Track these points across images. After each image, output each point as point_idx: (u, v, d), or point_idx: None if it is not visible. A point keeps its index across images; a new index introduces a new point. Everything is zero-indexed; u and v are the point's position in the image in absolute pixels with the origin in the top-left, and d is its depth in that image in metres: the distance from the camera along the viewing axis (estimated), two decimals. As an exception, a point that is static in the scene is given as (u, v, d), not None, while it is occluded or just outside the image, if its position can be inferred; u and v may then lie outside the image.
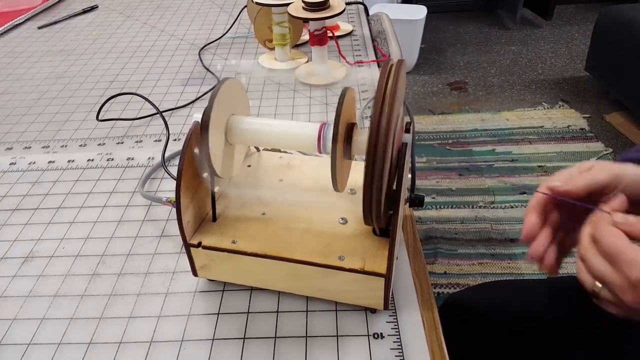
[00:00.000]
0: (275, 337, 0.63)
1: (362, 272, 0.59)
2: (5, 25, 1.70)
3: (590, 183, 0.64)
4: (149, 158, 0.99)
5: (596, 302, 0.59)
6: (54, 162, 0.99)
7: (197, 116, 0.60)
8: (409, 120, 0.64)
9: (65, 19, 1.77)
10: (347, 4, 1.41)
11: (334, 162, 0.56)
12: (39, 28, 1.70)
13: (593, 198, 0.65)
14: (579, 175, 0.65)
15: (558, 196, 0.65)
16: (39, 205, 0.88)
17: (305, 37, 1.41)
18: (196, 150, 0.60)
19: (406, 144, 0.59)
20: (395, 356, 0.60)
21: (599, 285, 0.56)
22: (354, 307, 0.66)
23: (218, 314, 0.66)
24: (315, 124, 0.61)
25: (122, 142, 1.05)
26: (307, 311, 0.66)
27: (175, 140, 1.04)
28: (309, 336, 0.63)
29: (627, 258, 0.53)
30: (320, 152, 0.62)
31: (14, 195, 0.91)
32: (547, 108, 3.16)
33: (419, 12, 3.48)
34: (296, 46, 1.40)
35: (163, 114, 1.10)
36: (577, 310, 0.84)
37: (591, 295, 0.58)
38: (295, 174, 0.74)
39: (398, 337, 0.62)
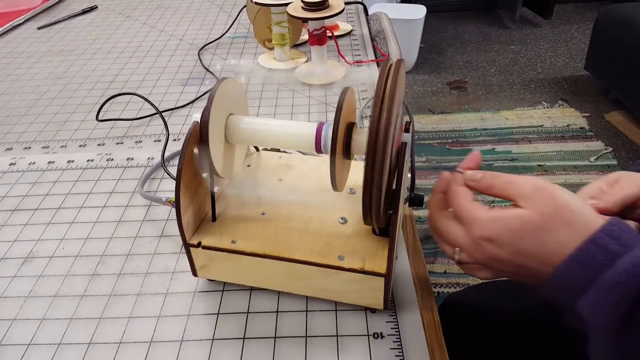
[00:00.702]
0: (275, 337, 0.63)
1: (362, 271, 0.59)
2: (5, 26, 1.70)
3: (624, 198, 0.66)
4: (148, 158, 0.99)
5: (463, 270, 0.60)
6: (53, 162, 0.99)
7: (197, 116, 0.60)
8: (409, 120, 0.64)
9: (65, 19, 1.77)
10: (346, 3, 1.41)
11: (334, 161, 0.56)
12: (39, 28, 1.70)
13: (625, 212, 0.67)
14: (612, 190, 0.67)
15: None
16: (38, 206, 0.88)
17: (305, 36, 1.41)
18: (196, 150, 0.60)
19: (406, 143, 0.59)
20: (395, 356, 0.60)
21: (458, 250, 0.58)
22: (353, 306, 0.66)
23: (218, 314, 0.66)
24: (313, 123, 0.61)
25: (122, 142, 1.05)
26: (306, 311, 0.66)
27: (174, 140, 1.04)
28: (309, 336, 0.63)
29: (469, 216, 0.55)
30: (318, 152, 0.62)
31: (14, 196, 0.91)
32: (547, 107, 3.16)
33: (418, 11, 3.48)
34: (295, 46, 1.40)
35: (162, 114, 1.10)
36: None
37: (457, 263, 0.59)
38: (294, 174, 0.74)
39: (398, 336, 0.62)
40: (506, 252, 0.53)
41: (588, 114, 3.06)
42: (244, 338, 0.63)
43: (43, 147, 1.05)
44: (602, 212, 0.66)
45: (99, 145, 1.04)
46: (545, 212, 0.52)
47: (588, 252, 0.49)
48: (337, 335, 0.63)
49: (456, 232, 0.57)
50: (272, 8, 1.20)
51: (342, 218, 0.66)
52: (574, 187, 2.43)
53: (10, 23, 1.72)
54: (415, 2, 3.86)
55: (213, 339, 0.63)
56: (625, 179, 0.69)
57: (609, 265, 0.48)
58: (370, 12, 1.67)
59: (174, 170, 0.92)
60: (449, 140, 2.91)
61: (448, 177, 0.61)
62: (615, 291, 0.47)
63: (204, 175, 0.63)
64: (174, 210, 0.63)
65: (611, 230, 0.50)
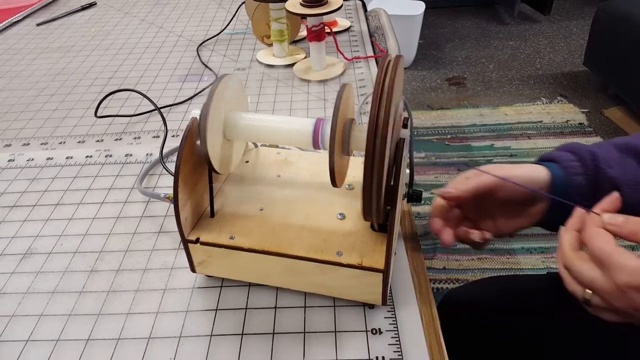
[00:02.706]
0: (274, 333, 0.63)
1: (360, 267, 0.59)
2: (4, 23, 1.70)
3: (475, 186, 0.72)
4: (147, 154, 0.99)
5: (590, 311, 0.58)
6: (52, 158, 0.99)
7: (195, 112, 0.60)
8: (407, 116, 0.64)
9: (64, 15, 1.76)
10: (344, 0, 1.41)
11: (332, 158, 0.56)
12: (38, 25, 1.70)
13: (483, 199, 0.73)
14: (466, 181, 0.73)
15: (453, 200, 0.74)
16: (37, 202, 0.88)
17: (303, 33, 1.41)
18: (198, 142, 0.60)
19: (404, 139, 0.59)
20: (394, 352, 0.60)
21: (590, 292, 0.56)
22: (352, 302, 0.66)
23: (216, 309, 0.66)
24: (311, 119, 0.61)
25: (121, 139, 1.04)
26: (305, 307, 0.66)
27: (173, 136, 1.04)
28: (307, 332, 0.63)
29: (614, 262, 0.52)
30: (316, 148, 0.62)
31: (13, 192, 0.91)
32: (546, 103, 3.16)
33: (417, 7, 3.48)
34: (294, 42, 1.40)
35: (161, 110, 1.10)
36: (576, 305, 0.84)
37: (583, 303, 0.58)
38: (293, 170, 0.75)
39: (396, 332, 0.62)
40: None
41: (587, 110, 3.06)
42: (242, 334, 0.63)
43: (42, 144, 1.05)
44: (457, 199, 0.73)
45: (98, 141, 1.04)
46: None
47: None
48: (335, 331, 0.63)
49: (594, 275, 0.54)
50: (270, 4, 1.20)
51: (340, 214, 0.66)
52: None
53: (9, 19, 1.72)
54: (414, -2, 3.86)
55: (211, 335, 0.63)
56: (491, 170, 0.73)
57: None
58: (368, 8, 1.66)
59: (172, 167, 0.92)
60: (448, 136, 2.91)
61: (583, 215, 0.59)
62: None
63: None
64: (172, 206, 0.64)
65: None
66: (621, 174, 0.72)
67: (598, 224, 0.56)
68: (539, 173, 0.73)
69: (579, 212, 0.60)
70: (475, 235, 0.74)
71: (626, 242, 0.56)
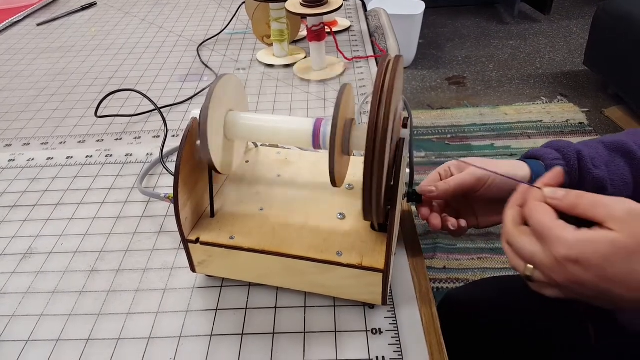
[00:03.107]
0: (274, 333, 0.63)
1: (360, 267, 0.59)
2: (4, 23, 1.70)
3: (455, 186, 0.73)
4: (147, 154, 0.99)
5: (532, 287, 0.58)
6: (52, 158, 0.99)
7: (195, 112, 0.60)
8: (407, 115, 0.64)
9: (64, 15, 1.77)
10: (345, -1, 1.41)
11: (332, 157, 0.56)
12: (38, 25, 1.70)
13: (465, 196, 0.75)
14: (446, 182, 0.74)
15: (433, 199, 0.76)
16: (37, 202, 0.88)
17: (303, 33, 1.41)
18: (198, 142, 0.60)
19: (404, 138, 0.59)
20: (394, 351, 0.60)
21: (531, 267, 0.56)
22: (352, 302, 0.66)
23: (216, 309, 0.66)
24: (311, 119, 0.61)
25: (121, 138, 1.05)
26: (305, 307, 0.66)
27: (173, 136, 1.04)
28: (307, 332, 0.63)
29: (553, 235, 0.52)
30: (316, 148, 0.62)
31: (13, 192, 0.91)
32: (546, 102, 3.16)
33: (417, 7, 3.47)
34: (294, 42, 1.40)
35: (161, 110, 1.10)
36: (576, 305, 0.84)
37: (525, 280, 0.58)
38: (293, 170, 0.75)
39: (396, 332, 0.62)
40: (591, 276, 0.51)
41: (587, 109, 3.06)
42: (242, 334, 0.63)
43: (42, 143, 1.05)
44: (435, 198, 0.74)
45: (98, 141, 1.04)
46: (638, 237, 0.50)
47: None
48: (335, 331, 0.63)
49: (534, 249, 0.55)
50: (270, 4, 1.20)
51: (340, 214, 0.66)
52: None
53: (10, 19, 1.72)
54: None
55: (212, 335, 0.63)
56: (468, 169, 0.74)
57: None
58: (368, 7, 1.66)
59: (172, 166, 0.92)
60: (448, 136, 2.91)
61: (525, 190, 0.59)
62: None
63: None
64: (172, 206, 0.64)
65: None
66: (607, 173, 0.72)
67: (540, 199, 0.57)
68: (519, 170, 0.74)
69: (522, 187, 0.60)
70: (452, 222, 0.75)
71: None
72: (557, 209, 0.55)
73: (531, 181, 0.73)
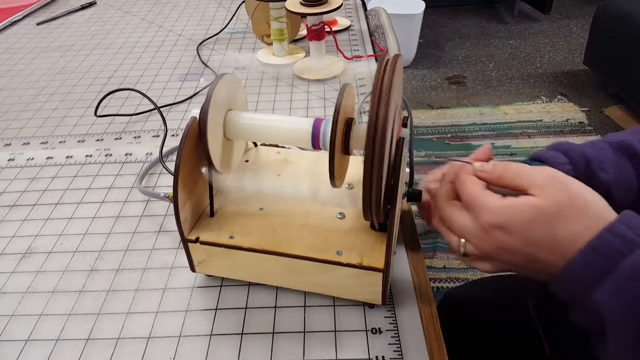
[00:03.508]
0: (273, 333, 0.63)
1: (360, 267, 0.59)
2: (4, 22, 1.70)
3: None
4: (147, 153, 0.99)
5: (466, 263, 0.59)
6: (52, 157, 0.99)
7: (195, 111, 0.60)
8: (407, 115, 0.64)
9: (64, 15, 1.76)
10: (345, -2, 1.41)
11: (332, 157, 0.56)
12: (38, 24, 1.70)
13: None
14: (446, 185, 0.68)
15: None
16: (37, 201, 0.88)
17: (303, 32, 1.41)
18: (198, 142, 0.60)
19: (404, 138, 0.59)
20: (394, 351, 0.60)
21: (464, 241, 0.57)
22: (352, 302, 0.66)
23: (216, 309, 0.66)
24: (311, 118, 0.61)
25: (121, 138, 1.04)
26: (305, 306, 0.66)
27: (173, 135, 1.04)
28: (307, 331, 0.63)
29: (479, 203, 0.54)
30: (316, 148, 0.62)
31: (13, 191, 0.91)
32: (546, 102, 3.16)
33: (417, 6, 3.47)
34: (294, 41, 1.40)
35: (161, 109, 1.10)
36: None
37: (460, 257, 0.59)
38: (293, 169, 0.74)
39: (396, 332, 0.62)
40: (516, 241, 0.52)
41: (587, 109, 3.06)
42: (242, 333, 0.63)
43: (42, 143, 1.05)
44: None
45: (98, 140, 1.04)
46: (558, 201, 0.51)
47: (605, 242, 0.48)
48: (335, 331, 0.63)
49: (464, 220, 0.56)
50: (270, 3, 1.20)
51: (340, 213, 0.66)
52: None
53: (9, 19, 1.72)
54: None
55: (211, 335, 0.63)
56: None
57: (627, 254, 0.47)
58: (368, 7, 1.66)
59: (172, 166, 0.91)
60: (448, 135, 2.91)
61: (457, 166, 0.60)
62: (638, 279, 0.47)
63: (203, 170, 0.63)
64: (172, 205, 0.63)
65: (628, 221, 0.49)
66: (614, 176, 0.72)
67: (470, 173, 0.58)
68: None
69: (453, 164, 0.61)
70: None
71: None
72: (486, 181, 0.57)
73: None
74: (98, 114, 1.12)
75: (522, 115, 3.04)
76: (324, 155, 0.61)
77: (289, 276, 0.64)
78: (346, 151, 0.60)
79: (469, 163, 0.59)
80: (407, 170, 0.71)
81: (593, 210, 0.51)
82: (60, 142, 1.05)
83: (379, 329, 0.63)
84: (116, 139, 1.04)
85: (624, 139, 0.75)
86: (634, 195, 0.72)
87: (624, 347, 0.49)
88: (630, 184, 0.72)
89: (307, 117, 0.63)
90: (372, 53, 1.31)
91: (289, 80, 1.22)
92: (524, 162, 0.78)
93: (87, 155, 0.99)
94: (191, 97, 1.17)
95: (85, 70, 1.35)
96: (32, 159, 0.99)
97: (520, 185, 0.54)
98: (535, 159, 0.78)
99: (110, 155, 0.99)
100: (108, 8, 1.81)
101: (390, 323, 0.63)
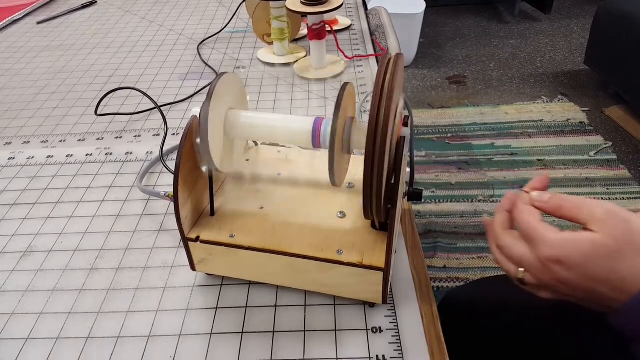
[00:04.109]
0: (274, 332, 0.63)
1: (361, 266, 0.59)
2: (5, 21, 1.70)
3: None
4: (147, 152, 0.99)
5: (527, 289, 0.59)
6: (52, 156, 0.99)
7: (196, 110, 0.60)
8: (408, 114, 0.64)
9: (65, 14, 1.77)
10: (345, -2, 1.41)
11: (332, 156, 0.56)
12: (38, 23, 1.70)
13: None
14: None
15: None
16: (37, 200, 0.88)
17: (304, 31, 1.41)
18: (198, 140, 0.60)
19: (405, 137, 0.59)
20: (394, 350, 0.60)
21: (522, 270, 0.57)
22: (352, 301, 0.66)
23: (216, 308, 0.66)
24: (311, 118, 0.61)
25: (121, 137, 1.04)
26: (305, 305, 0.66)
27: (173, 134, 1.03)
28: (307, 330, 0.63)
29: (537, 236, 0.54)
30: (316, 147, 0.62)
31: (13, 190, 0.91)
32: (547, 102, 3.16)
33: (418, 6, 3.47)
34: (294, 40, 1.40)
35: (161, 108, 1.10)
36: (576, 304, 0.84)
37: (518, 283, 0.59)
38: (293, 168, 0.74)
39: (397, 331, 0.62)
40: (575, 276, 0.52)
41: (588, 109, 3.06)
42: (242, 332, 0.63)
43: (42, 142, 1.05)
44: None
45: (98, 139, 1.04)
46: (618, 237, 0.51)
47: None
48: (335, 330, 0.63)
49: (522, 251, 0.56)
50: (271, 2, 1.19)
51: (340, 212, 0.66)
52: (574, 182, 2.44)
53: (10, 18, 1.72)
54: (415, -3, 3.85)
55: (211, 334, 0.63)
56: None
57: None
58: (369, 6, 1.66)
59: (172, 165, 0.92)
60: (449, 135, 2.90)
61: (513, 196, 0.60)
62: None
63: (204, 168, 0.63)
64: (172, 204, 0.63)
65: None
66: None
67: (527, 202, 0.58)
68: None
69: (509, 193, 0.61)
70: None
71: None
72: (543, 211, 0.56)
73: None
74: (98, 113, 1.12)
75: (523, 115, 3.04)
76: (324, 155, 0.61)
77: (289, 275, 0.64)
78: (347, 150, 0.60)
79: (526, 192, 0.59)
80: (408, 169, 0.71)
81: None
82: (61, 141, 1.05)
83: (380, 328, 0.62)
84: (116, 138, 1.04)
85: None
86: None
87: None
88: None
89: (307, 116, 0.63)
90: (372, 52, 1.31)
91: (289, 79, 1.22)
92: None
93: (87, 154, 0.99)
94: (192, 96, 1.17)
95: (86, 69, 1.35)
96: (33, 157, 0.99)
97: (579, 219, 0.54)
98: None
99: (111, 154, 0.99)
100: (108, 7, 1.81)
101: (390, 322, 0.63)
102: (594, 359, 0.81)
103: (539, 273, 0.55)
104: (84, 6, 1.82)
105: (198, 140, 0.60)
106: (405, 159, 0.62)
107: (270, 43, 1.33)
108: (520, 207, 0.58)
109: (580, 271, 0.52)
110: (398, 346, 0.60)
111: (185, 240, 0.64)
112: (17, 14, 1.75)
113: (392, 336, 0.61)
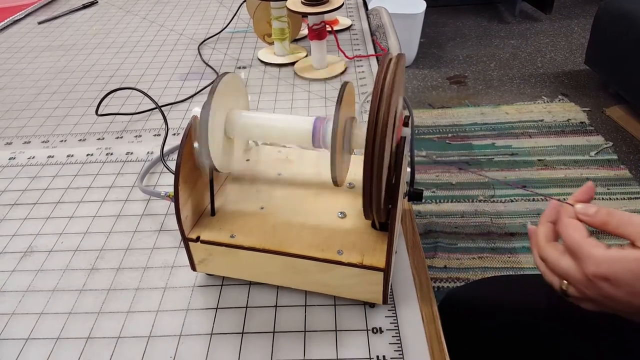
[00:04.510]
0: (274, 332, 0.63)
1: (361, 266, 0.59)
2: (6, 21, 1.70)
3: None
4: (148, 152, 0.99)
5: (570, 300, 0.59)
6: (53, 156, 0.99)
7: (196, 110, 0.60)
8: (408, 114, 0.64)
9: (65, 14, 1.77)
10: (346, -2, 1.41)
11: (334, 156, 0.56)
12: (39, 23, 1.70)
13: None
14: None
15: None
16: (38, 200, 0.88)
17: (304, 31, 1.41)
18: (196, 144, 0.60)
19: (405, 137, 0.59)
20: (394, 350, 0.60)
21: (566, 283, 0.57)
22: (352, 301, 0.66)
23: (217, 308, 0.66)
24: (312, 117, 0.61)
25: (122, 137, 1.04)
26: (305, 306, 0.66)
27: (174, 134, 1.03)
28: (308, 331, 0.63)
29: (584, 252, 0.53)
30: (316, 147, 0.62)
31: (13, 190, 0.91)
32: (547, 102, 3.16)
33: (418, 6, 3.47)
34: (295, 41, 1.40)
35: (162, 108, 1.10)
36: (576, 305, 0.84)
37: (561, 294, 0.58)
38: (293, 168, 0.74)
39: (397, 331, 0.62)
40: (622, 293, 0.52)
41: (588, 109, 3.06)
42: (242, 333, 0.63)
43: (43, 142, 1.05)
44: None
45: (99, 139, 1.04)
46: None
47: None
48: (336, 330, 0.62)
49: (567, 265, 0.56)
50: (271, 3, 1.19)
51: (341, 212, 0.66)
52: (574, 182, 2.44)
53: (11, 18, 1.72)
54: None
55: (212, 334, 0.63)
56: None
57: None
58: (369, 6, 1.66)
59: (173, 165, 0.92)
60: (449, 135, 2.90)
61: (557, 206, 0.59)
62: None
63: (204, 167, 0.63)
64: (173, 204, 0.63)
65: None
66: None
67: (571, 215, 0.57)
68: None
69: (553, 203, 0.60)
70: None
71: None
72: (589, 225, 0.56)
73: None
74: (99, 113, 1.12)
75: (523, 115, 3.04)
76: (325, 155, 0.61)
77: (289, 275, 0.64)
78: (347, 150, 0.60)
79: (571, 205, 0.58)
80: (408, 169, 0.71)
81: None
82: (61, 141, 1.05)
83: (380, 328, 0.62)
84: (117, 138, 1.04)
85: None
86: None
87: None
88: None
89: (308, 116, 0.63)
90: (373, 52, 1.31)
91: (290, 79, 1.22)
92: None
93: (88, 154, 0.99)
94: (192, 96, 1.17)
95: (87, 70, 1.35)
96: (33, 157, 0.99)
97: (626, 235, 0.54)
98: None
99: (111, 154, 0.99)
100: (109, 7, 1.81)
101: (391, 323, 0.63)
102: (594, 357, 0.81)
103: (584, 288, 0.54)
104: (84, 6, 1.82)
105: (196, 144, 0.60)
106: (406, 158, 0.62)
107: (271, 43, 1.33)
108: (564, 221, 0.57)
109: (628, 289, 0.52)
110: (398, 346, 0.60)
111: (186, 241, 0.64)
112: (18, 14, 1.75)
113: (393, 336, 0.61)
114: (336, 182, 0.59)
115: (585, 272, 0.53)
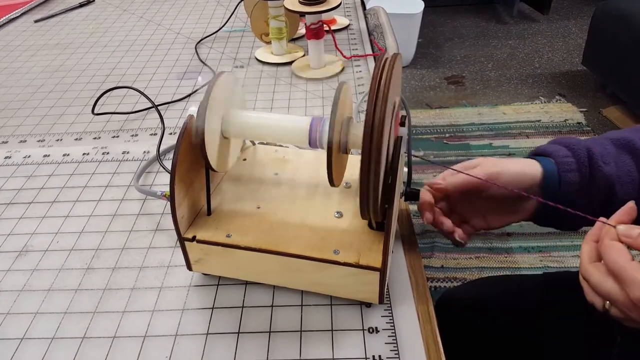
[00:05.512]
0: (270, 332, 0.63)
1: (357, 266, 0.59)
2: (2, 19, 1.69)
3: (462, 183, 0.73)
4: (144, 152, 0.98)
5: (613, 318, 0.59)
6: (49, 155, 0.99)
7: (193, 110, 0.60)
8: (405, 114, 0.63)
9: (62, 12, 1.76)
10: (343, -3, 1.41)
11: (330, 156, 0.56)
12: (36, 22, 1.70)
13: (472, 194, 0.74)
14: (455, 175, 0.73)
15: (440, 192, 0.76)
16: (33, 199, 0.88)
17: (302, 31, 1.41)
18: (194, 140, 0.60)
19: (402, 137, 0.59)
20: (390, 350, 0.60)
21: (608, 303, 0.56)
22: (349, 301, 0.66)
23: (212, 308, 0.66)
24: (308, 117, 0.61)
25: (118, 136, 1.04)
26: (301, 305, 0.66)
27: (170, 134, 1.03)
28: (304, 330, 0.63)
29: (628, 276, 0.53)
30: (313, 147, 0.61)
31: (9, 189, 0.91)
32: (544, 102, 3.16)
33: (416, 6, 3.47)
34: (292, 40, 1.40)
35: (159, 107, 1.09)
36: (572, 305, 0.84)
37: (603, 313, 0.58)
38: (290, 168, 0.74)
39: (393, 331, 0.62)
40: None
41: (585, 109, 3.06)
42: (238, 332, 0.63)
43: (38, 141, 1.04)
44: (442, 191, 0.75)
45: (95, 138, 1.04)
46: None
47: None
48: (332, 330, 0.62)
49: (610, 288, 0.55)
50: (269, 2, 1.19)
51: (337, 212, 0.66)
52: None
53: (7, 16, 1.71)
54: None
55: (207, 334, 0.63)
56: (484, 164, 0.73)
57: None
58: (367, 6, 1.66)
59: (169, 164, 0.91)
60: (447, 135, 2.91)
61: (601, 226, 0.59)
62: None
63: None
64: (169, 204, 0.63)
65: None
66: (616, 170, 0.72)
67: (613, 236, 0.57)
68: (531, 168, 0.73)
69: (598, 223, 0.60)
70: (458, 233, 0.76)
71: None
72: (632, 247, 0.55)
73: (543, 182, 0.72)
74: (95, 112, 1.11)
75: (521, 115, 3.04)
76: (322, 155, 0.61)
77: (286, 275, 0.64)
78: (344, 150, 0.60)
79: (612, 226, 0.57)
80: (405, 169, 0.71)
81: None
82: (57, 140, 1.04)
83: (376, 328, 0.62)
84: (113, 137, 1.04)
85: (625, 136, 0.75)
86: (636, 191, 0.72)
87: None
88: (633, 178, 0.72)
89: (305, 116, 0.63)
90: (370, 52, 1.31)
91: (287, 79, 1.22)
92: (528, 156, 0.78)
93: (84, 153, 0.99)
94: (189, 95, 1.17)
95: (83, 68, 1.34)
96: (29, 156, 0.99)
97: None
98: (539, 154, 0.77)
99: (108, 153, 0.99)
100: (106, 6, 1.81)
101: (387, 322, 0.63)
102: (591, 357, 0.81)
103: (628, 311, 0.54)
104: (81, 5, 1.81)
105: (195, 140, 0.60)
106: (403, 158, 0.62)
107: (268, 42, 1.33)
108: (606, 243, 0.56)
109: None
110: (394, 346, 0.60)
111: (182, 240, 0.63)
112: (14, 12, 1.74)
113: (389, 336, 0.61)
114: (333, 182, 0.59)
115: (630, 296, 0.53)
